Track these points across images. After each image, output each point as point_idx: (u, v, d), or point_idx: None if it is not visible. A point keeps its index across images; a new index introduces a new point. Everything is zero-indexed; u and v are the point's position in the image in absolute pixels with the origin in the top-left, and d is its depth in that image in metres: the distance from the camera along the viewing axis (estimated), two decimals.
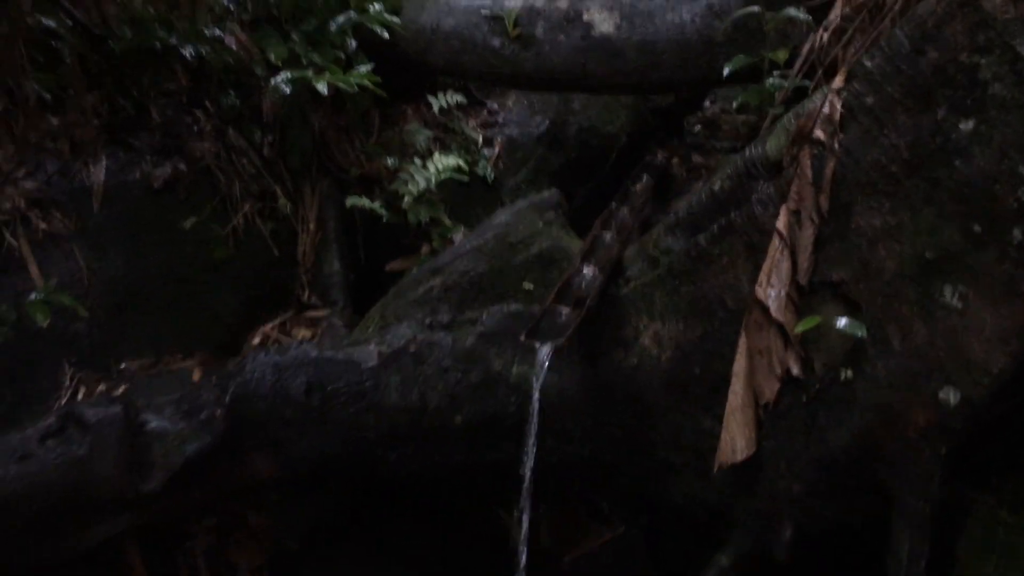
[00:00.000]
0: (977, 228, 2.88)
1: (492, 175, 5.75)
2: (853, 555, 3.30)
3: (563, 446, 3.59)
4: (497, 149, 6.15)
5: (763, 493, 3.32)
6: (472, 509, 3.93)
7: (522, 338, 3.25)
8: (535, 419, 3.19)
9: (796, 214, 3.26)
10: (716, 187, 3.55)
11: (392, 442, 3.42)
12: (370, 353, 3.41)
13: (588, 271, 3.68)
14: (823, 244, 3.23)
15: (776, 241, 3.26)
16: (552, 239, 3.97)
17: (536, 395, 3.19)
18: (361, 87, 4.91)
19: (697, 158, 6.64)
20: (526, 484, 3.23)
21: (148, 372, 4.20)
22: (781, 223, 3.25)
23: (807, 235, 3.24)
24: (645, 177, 6.05)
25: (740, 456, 3.23)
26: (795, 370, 3.24)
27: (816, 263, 3.24)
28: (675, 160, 6.69)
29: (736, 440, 3.25)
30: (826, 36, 3.90)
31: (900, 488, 3.11)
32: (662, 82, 4.86)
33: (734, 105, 4.61)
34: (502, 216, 4.12)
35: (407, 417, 3.40)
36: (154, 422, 3.17)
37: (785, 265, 3.23)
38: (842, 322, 3.09)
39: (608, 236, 4.09)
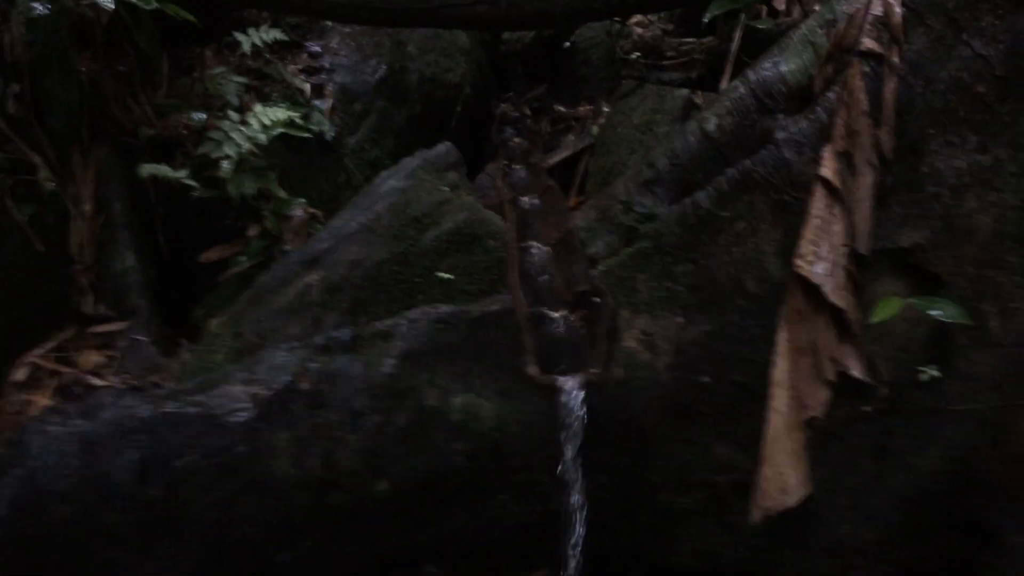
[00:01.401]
0: None
1: (332, 132, 4.48)
2: None
3: (525, 505, 2.51)
4: (330, 101, 4.85)
5: (817, 545, 2.41)
6: None
7: (529, 371, 2.13)
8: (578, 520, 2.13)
9: (846, 157, 2.35)
10: (710, 126, 2.57)
11: (286, 536, 2.19)
12: (237, 398, 2.16)
13: (536, 251, 2.60)
14: (887, 196, 2.34)
15: (820, 196, 2.33)
16: (467, 209, 2.85)
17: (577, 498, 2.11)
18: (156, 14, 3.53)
19: (561, 108, 5.67)
20: None
21: None
22: (827, 170, 2.32)
23: (865, 185, 2.33)
24: (508, 131, 5.01)
25: (794, 499, 2.31)
26: (856, 371, 2.34)
27: (878, 222, 2.35)
28: (529, 113, 5.70)
29: (786, 476, 2.32)
30: None
31: (1004, 524, 2.30)
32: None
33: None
34: (391, 181, 2.94)
35: (306, 494, 2.19)
36: None
37: (837, 228, 2.32)
38: (936, 309, 2.20)
39: (529, 200, 3.03)
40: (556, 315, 2.40)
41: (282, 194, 4.11)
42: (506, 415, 2.43)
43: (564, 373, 2.25)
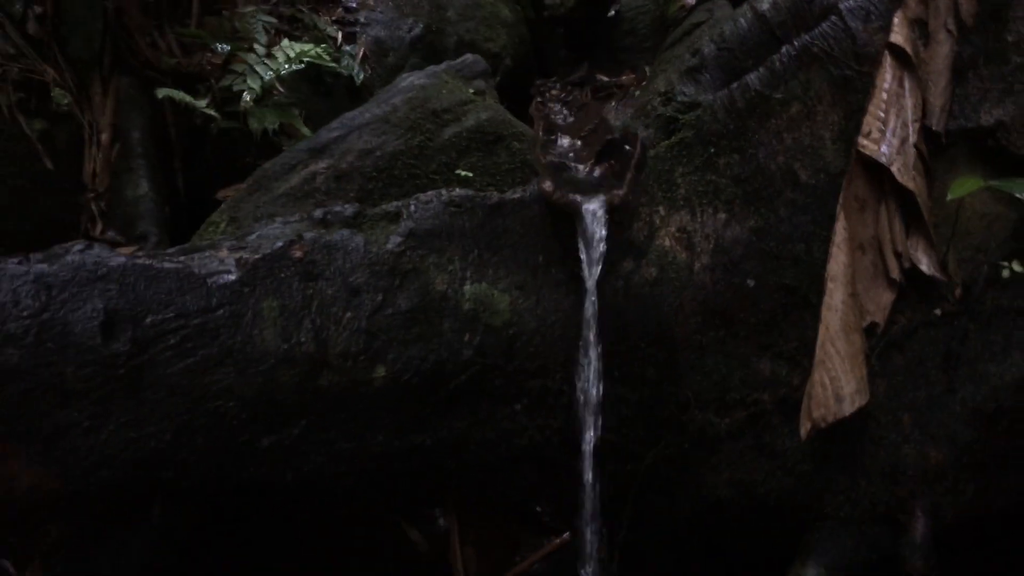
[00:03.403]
0: None
1: (360, 75, 4.28)
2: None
3: (540, 419, 2.23)
4: (362, 49, 4.66)
5: (874, 468, 2.09)
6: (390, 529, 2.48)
7: (547, 188, 1.87)
8: (594, 346, 1.86)
9: (920, 25, 2.07)
10: (764, 6, 2.30)
11: (268, 418, 1.94)
12: (222, 261, 1.92)
13: (566, 142, 2.34)
14: (966, 69, 2.06)
15: (890, 66, 2.05)
16: (491, 110, 2.60)
17: (592, 296, 1.84)
18: None
19: (603, 77, 5.44)
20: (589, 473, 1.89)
21: None
22: (898, 37, 2.04)
23: (941, 55, 2.05)
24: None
25: (849, 407, 2.00)
26: (925, 266, 2.04)
27: (955, 99, 2.06)
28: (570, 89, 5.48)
29: (840, 383, 2.01)
30: None
31: None
32: None
33: None
34: (412, 78, 2.71)
35: (293, 372, 1.94)
36: None
37: (908, 103, 2.03)
38: (1021, 192, 1.90)
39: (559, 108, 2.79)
40: (581, 166, 2.13)
41: (306, 131, 3.90)
42: (523, 310, 2.17)
43: (587, 195, 1.97)
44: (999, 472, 2.06)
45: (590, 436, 2.17)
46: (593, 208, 1.93)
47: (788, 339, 2.18)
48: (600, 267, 1.97)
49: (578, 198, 1.96)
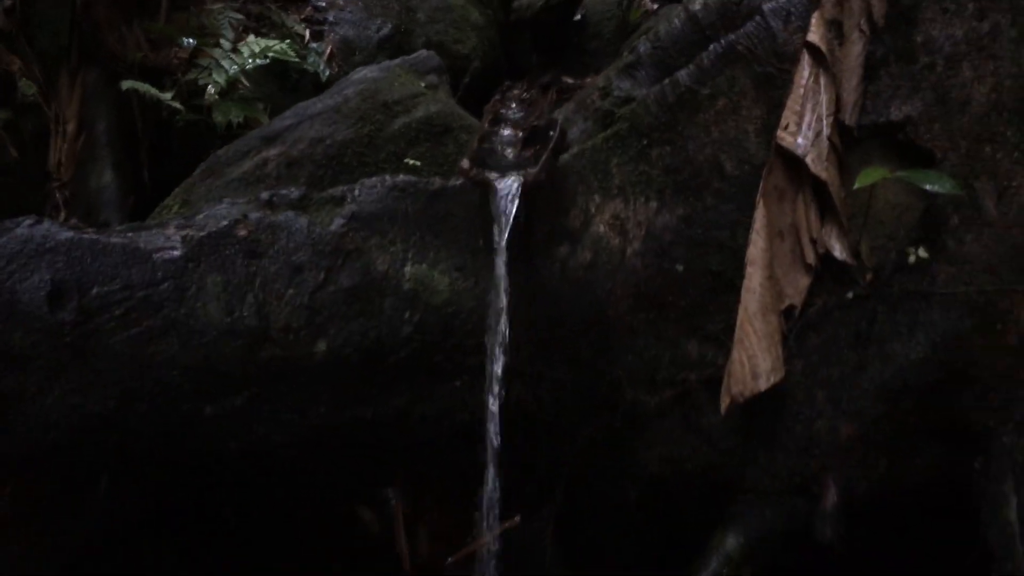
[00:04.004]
0: None
1: (326, 73, 4.37)
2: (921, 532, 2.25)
3: (479, 394, 2.33)
4: (329, 47, 4.75)
5: (791, 443, 2.21)
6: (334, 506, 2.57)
7: (464, 165, 1.98)
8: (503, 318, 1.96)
9: (835, 25, 2.20)
10: (696, 6, 2.43)
11: (212, 388, 2.03)
12: (168, 238, 2.01)
13: (508, 132, 2.45)
14: (878, 68, 2.19)
15: (807, 65, 2.18)
16: (441, 102, 2.71)
17: (502, 265, 1.94)
18: None
19: (568, 79, 5.54)
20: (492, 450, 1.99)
21: None
22: (815, 36, 2.17)
23: (854, 54, 2.18)
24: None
25: (764, 383, 2.12)
26: (838, 252, 2.16)
27: (867, 96, 2.18)
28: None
29: (757, 361, 2.13)
30: None
31: (998, 423, 2.09)
32: None
33: None
34: (365, 71, 2.82)
35: (237, 345, 2.04)
36: None
37: (824, 98, 2.16)
38: (927, 182, 2.02)
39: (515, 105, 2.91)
40: (509, 150, 2.24)
41: None
42: (462, 291, 2.28)
43: (503, 173, 2.08)
44: (909, 450, 2.18)
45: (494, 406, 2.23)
46: (506, 185, 2.04)
47: (715, 321, 2.29)
48: (508, 239, 2.07)
49: (492, 175, 2.07)
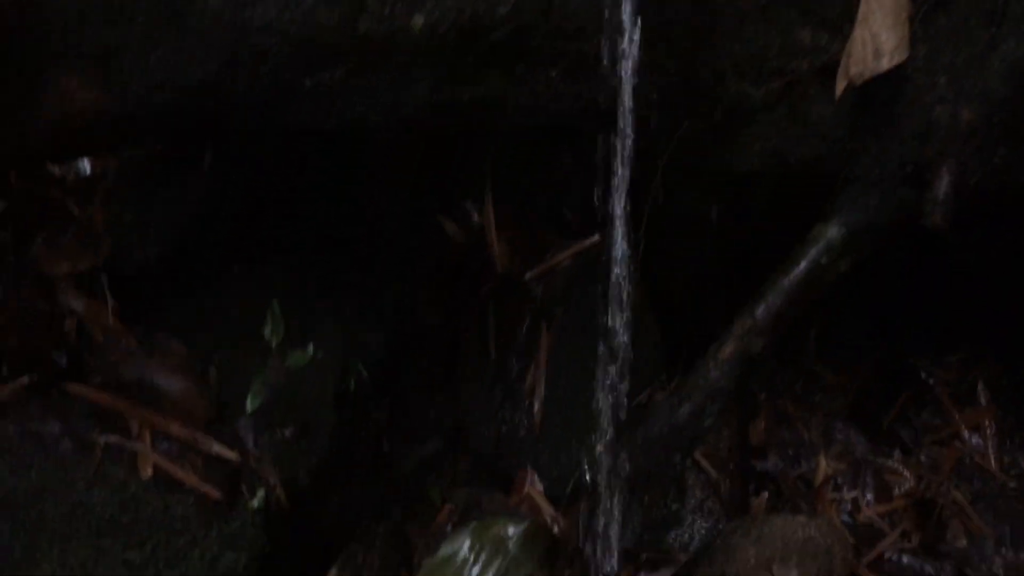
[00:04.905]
0: None
1: None
2: None
3: (576, 85, 2.26)
4: None
5: (906, 130, 2.12)
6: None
7: None
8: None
9: None
10: None
11: (309, 60, 2.00)
12: None
13: None
14: None
15: None
16: None
17: None
18: None
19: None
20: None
21: None
22: None
23: None
24: None
25: (888, 62, 2.00)
26: None
27: None
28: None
29: (881, 39, 2.01)
30: None
31: None
32: None
33: None
34: None
35: (332, 14, 1.94)
36: None
37: None
38: None
39: None
40: None
41: None
42: None
43: None
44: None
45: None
46: None
47: (832, 4, 2.15)
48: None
49: None
